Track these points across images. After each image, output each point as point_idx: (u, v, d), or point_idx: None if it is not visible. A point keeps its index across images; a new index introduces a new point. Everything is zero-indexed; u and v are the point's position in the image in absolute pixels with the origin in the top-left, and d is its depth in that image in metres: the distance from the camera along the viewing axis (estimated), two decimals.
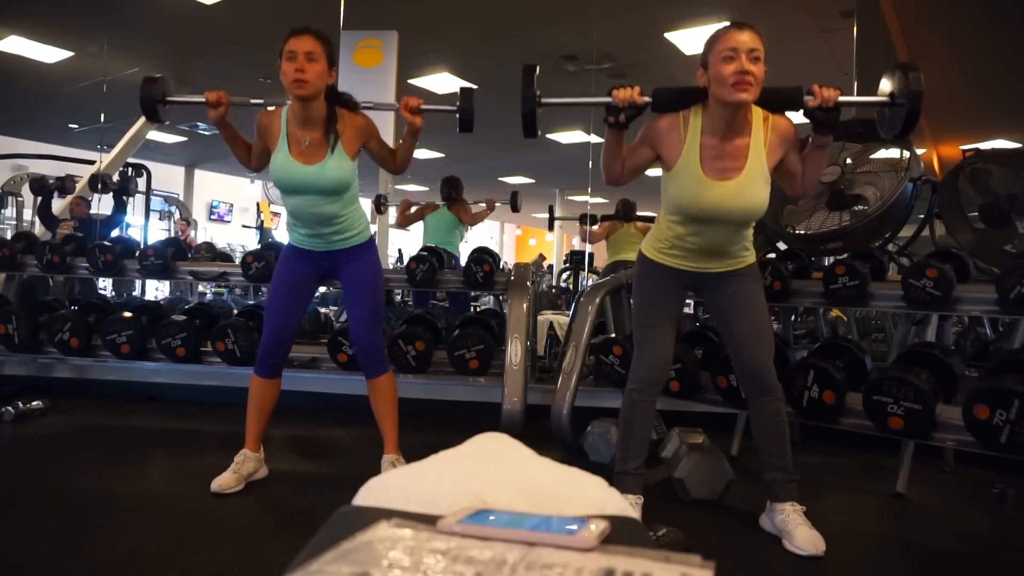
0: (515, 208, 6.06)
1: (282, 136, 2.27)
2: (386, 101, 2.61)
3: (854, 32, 5.18)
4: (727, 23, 1.91)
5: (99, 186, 6.21)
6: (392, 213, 5.67)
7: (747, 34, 1.86)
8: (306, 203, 2.29)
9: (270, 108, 2.36)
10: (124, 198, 6.38)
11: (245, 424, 2.45)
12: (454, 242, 5.10)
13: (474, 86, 2.33)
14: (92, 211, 6.09)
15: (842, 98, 1.90)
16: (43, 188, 6.28)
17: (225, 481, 2.30)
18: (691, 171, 1.97)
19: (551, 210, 8.70)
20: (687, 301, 2.45)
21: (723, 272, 2.13)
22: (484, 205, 5.33)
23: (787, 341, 3.19)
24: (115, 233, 5.81)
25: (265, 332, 2.43)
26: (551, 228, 9.42)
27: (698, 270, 2.14)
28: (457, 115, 2.31)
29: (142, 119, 7.96)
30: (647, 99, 1.98)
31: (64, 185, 6.24)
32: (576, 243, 17.75)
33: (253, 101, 2.37)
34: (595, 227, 5.65)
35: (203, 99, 2.28)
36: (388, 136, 4.82)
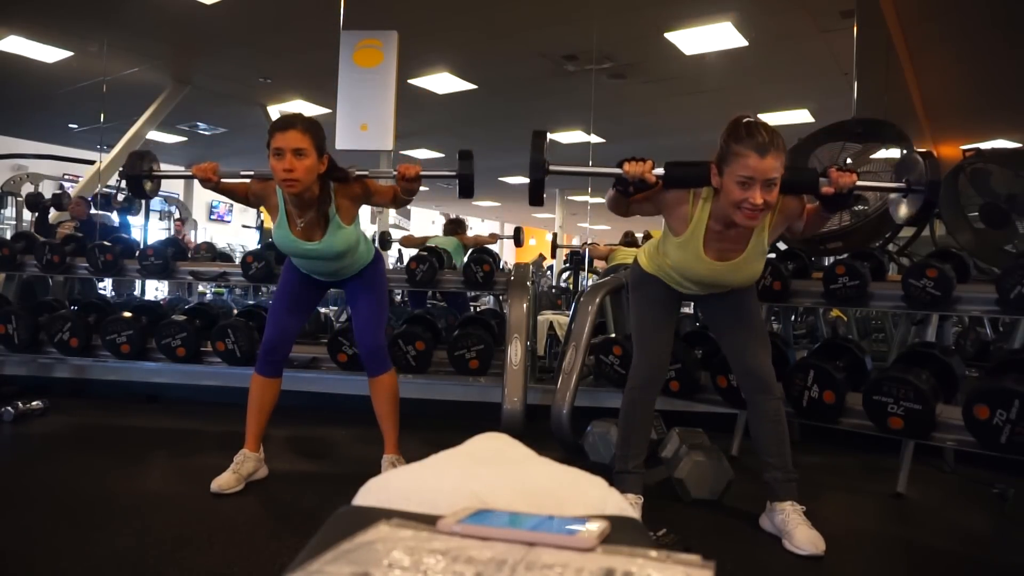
0: (518, 243, 6.42)
1: (281, 212, 2.28)
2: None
3: (854, 32, 5.18)
4: (752, 137, 1.78)
5: (99, 199, 6.26)
6: (390, 216, 5.98)
7: (769, 160, 1.76)
8: (312, 264, 2.37)
9: (263, 180, 2.34)
10: (128, 216, 6.46)
11: (245, 424, 2.45)
12: (457, 260, 5.17)
13: (471, 149, 2.29)
14: (92, 211, 6.10)
15: (859, 182, 1.89)
16: (39, 204, 6.29)
17: (225, 481, 2.30)
18: (693, 249, 2.02)
19: (555, 238, 8.94)
20: (687, 301, 2.46)
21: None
22: (486, 236, 5.75)
23: (787, 341, 3.18)
24: None
25: (267, 331, 2.44)
26: (553, 255, 9.71)
27: (691, 293, 2.22)
28: (456, 180, 2.27)
29: (141, 119, 7.99)
30: (659, 173, 1.94)
31: (60, 201, 6.24)
32: (576, 243, 17.76)
33: (244, 173, 2.36)
34: (599, 245, 6.20)
35: (190, 173, 2.28)
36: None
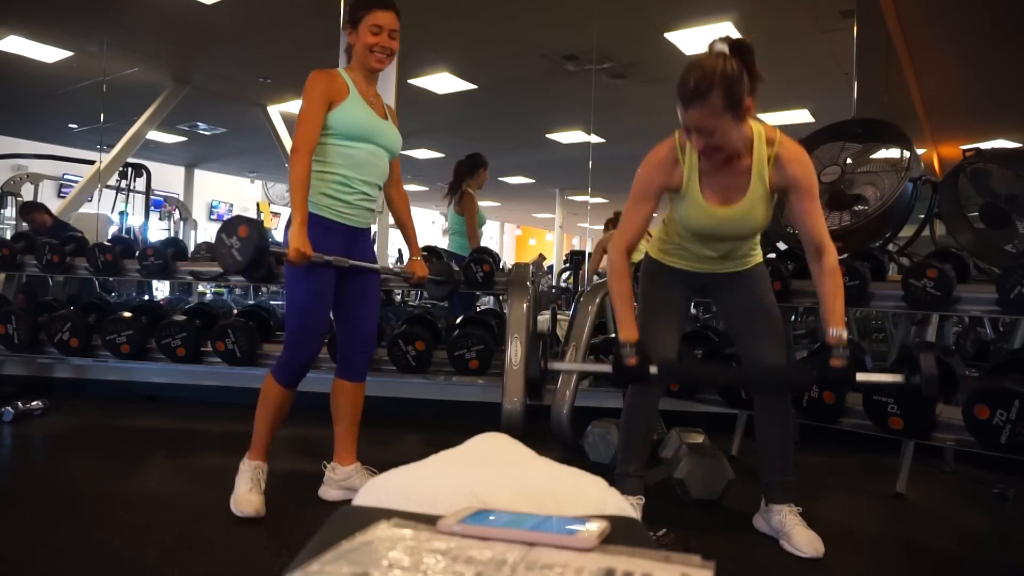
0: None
1: (352, 89, 2.24)
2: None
3: (854, 32, 5.18)
4: (681, 86, 1.76)
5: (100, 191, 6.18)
6: (389, 217, 5.73)
7: (692, 114, 1.75)
8: (374, 154, 2.26)
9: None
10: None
11: (252, 427, 2.28)
12: (465, 244, 4.98)
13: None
14: (92, 211, 6.08)
15: (859, 376, 1.89)
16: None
17: (259, 504, 2.14)
18: (693, 198, 1.95)
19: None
20: (699, 300, 2.41)
21: (730, 273, 2.14)
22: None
23: (787, 341, 3.18)
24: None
25: (309, 345, 2.22)
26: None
27: (704, 271, 2.14)
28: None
29: (141, 119, 7.98)
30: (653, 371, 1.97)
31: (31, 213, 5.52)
32: (576, 243, 17.75)
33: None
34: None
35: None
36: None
